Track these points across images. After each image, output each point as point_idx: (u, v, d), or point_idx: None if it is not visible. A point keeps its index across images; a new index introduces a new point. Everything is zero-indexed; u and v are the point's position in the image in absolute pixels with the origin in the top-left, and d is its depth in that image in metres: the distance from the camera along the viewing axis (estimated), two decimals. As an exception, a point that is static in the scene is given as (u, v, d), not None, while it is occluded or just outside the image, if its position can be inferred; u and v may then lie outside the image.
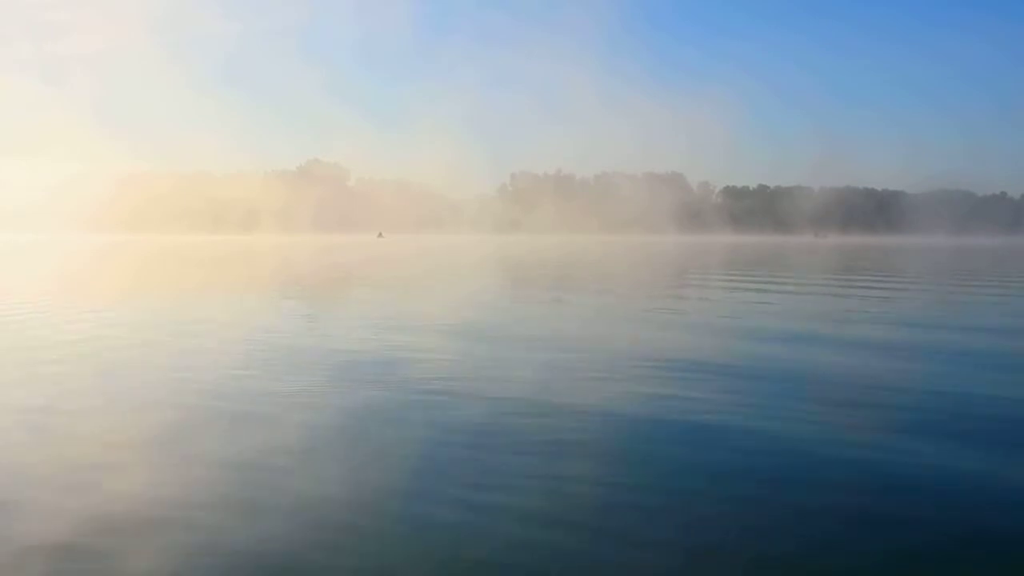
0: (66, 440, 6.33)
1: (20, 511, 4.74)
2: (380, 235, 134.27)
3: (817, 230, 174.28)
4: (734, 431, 6.64)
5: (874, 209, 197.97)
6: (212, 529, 4.48)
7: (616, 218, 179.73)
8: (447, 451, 6.03)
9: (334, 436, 6.50)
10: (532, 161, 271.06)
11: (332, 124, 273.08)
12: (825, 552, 4.27)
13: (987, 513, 4.85)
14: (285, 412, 7.24)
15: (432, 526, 4.55)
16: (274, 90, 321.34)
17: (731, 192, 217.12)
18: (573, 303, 19.37)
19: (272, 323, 14.70)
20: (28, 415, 7.08)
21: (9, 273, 33.37)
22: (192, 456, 5.88)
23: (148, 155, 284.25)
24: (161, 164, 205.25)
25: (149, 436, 6.44)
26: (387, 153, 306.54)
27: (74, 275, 32.04)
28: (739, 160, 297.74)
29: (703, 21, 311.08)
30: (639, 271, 35.96)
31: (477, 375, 9.06)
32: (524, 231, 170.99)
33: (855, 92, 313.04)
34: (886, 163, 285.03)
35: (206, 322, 14.63)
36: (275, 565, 4.05)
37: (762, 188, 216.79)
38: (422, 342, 11.76)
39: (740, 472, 5.57)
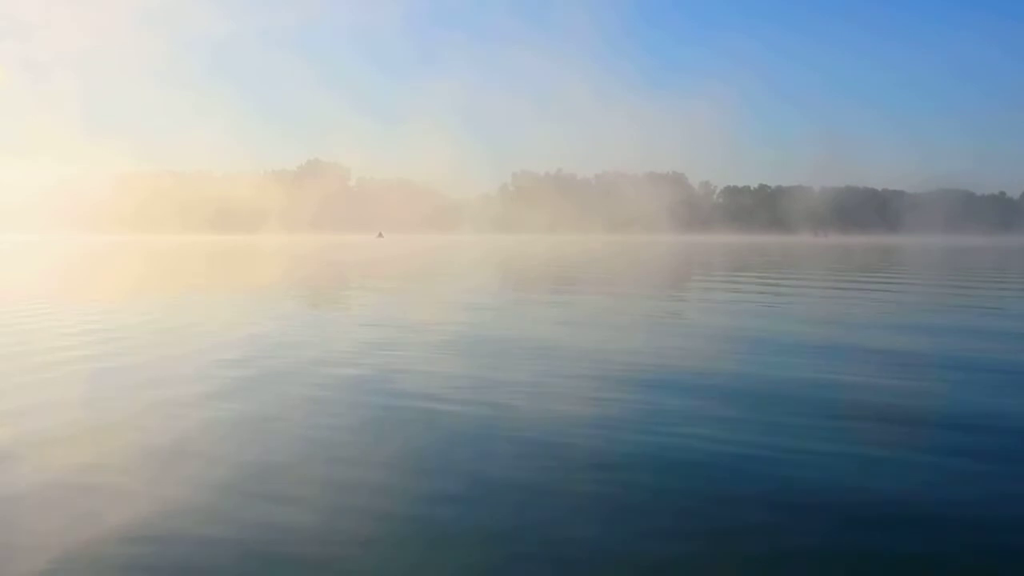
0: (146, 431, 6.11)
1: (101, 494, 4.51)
2: (380, 235, 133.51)
3: (816, 229, 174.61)
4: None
5: (874, 209, 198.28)
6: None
7: (617, 217, 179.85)
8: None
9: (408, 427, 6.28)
10: (533, 161, 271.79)
11: (332, 124, 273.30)
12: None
13: None
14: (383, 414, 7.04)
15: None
16: (274, 89, 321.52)
17: (732, 192, 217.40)
18: (628, 299, 19.17)
19: (323, 315, 14.50)
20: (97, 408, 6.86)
21: (31, 273, 33.11)
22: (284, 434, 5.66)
23: (148, 155, 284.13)
24: (161, 164, 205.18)
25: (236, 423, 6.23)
26: (387, 152, 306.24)
27: (94, 275, 31.79)
28: (739, 160, 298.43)
29: (703, 20, 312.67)
30: (657, 269, 35.79)
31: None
32: (525, 231, 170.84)
33: (856, 92, 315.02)
34: (887, 163, 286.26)
35: (256, 314, 14.42)
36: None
37: (763, 188, 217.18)
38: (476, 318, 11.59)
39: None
